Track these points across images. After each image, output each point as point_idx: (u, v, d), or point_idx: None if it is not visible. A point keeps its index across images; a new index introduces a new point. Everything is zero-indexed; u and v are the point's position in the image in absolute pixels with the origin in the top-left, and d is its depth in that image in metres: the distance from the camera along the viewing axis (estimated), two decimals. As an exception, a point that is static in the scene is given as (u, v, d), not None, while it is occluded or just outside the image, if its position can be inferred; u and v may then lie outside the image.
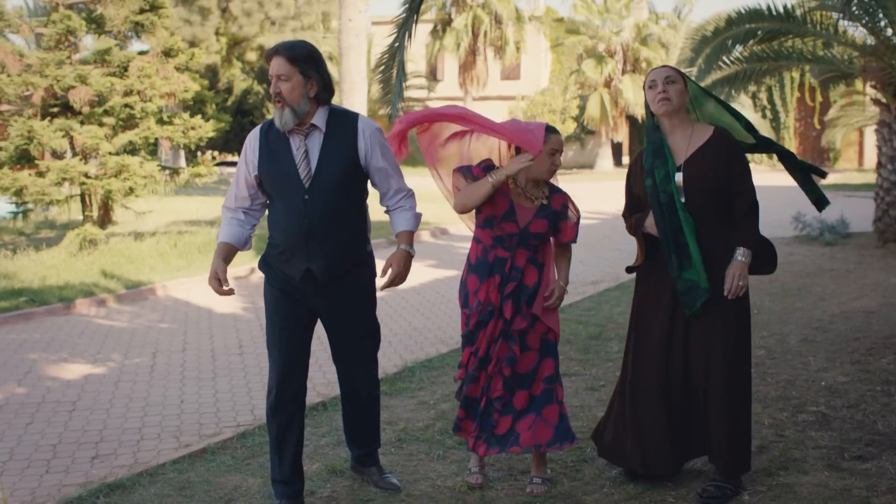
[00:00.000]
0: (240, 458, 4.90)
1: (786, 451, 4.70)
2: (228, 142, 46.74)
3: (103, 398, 6.33)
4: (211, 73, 45.29)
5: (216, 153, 49.30)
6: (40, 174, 12.26)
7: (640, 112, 38.03)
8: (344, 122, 4.00)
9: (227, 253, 4.06)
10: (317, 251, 3.92)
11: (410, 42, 6.45)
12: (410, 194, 4.20)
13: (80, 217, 13.76)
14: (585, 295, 9.93)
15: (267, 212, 4.16)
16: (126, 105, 12.50)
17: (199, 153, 47.14)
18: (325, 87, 3.96)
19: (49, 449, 5.32)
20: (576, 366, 6.71)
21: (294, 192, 3.90)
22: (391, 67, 6.98)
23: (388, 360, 7.25)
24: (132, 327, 8.74)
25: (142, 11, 13.18)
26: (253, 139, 4.01)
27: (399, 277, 4.11)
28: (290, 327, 4.06)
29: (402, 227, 4.14)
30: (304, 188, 3.89)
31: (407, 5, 6.29)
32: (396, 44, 6.79)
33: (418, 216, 4.21)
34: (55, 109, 12.91)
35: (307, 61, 3.89)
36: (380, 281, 4.20)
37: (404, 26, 6.39)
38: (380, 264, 4.20)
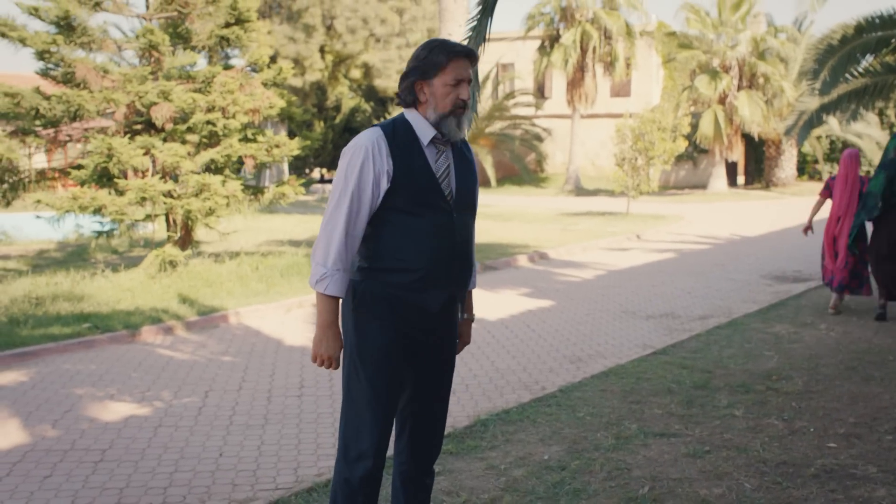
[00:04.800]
0: (265, 536, 4.13)
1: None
2: (335, 159, 46.87)
3: (137, 446, 5.66)
4: (319, 90, 45.43)
5: (324, 171, 49.51)
6: (120, 193, 11.84)
7: (756, 130, 36.36)
8: (460, 138, 3.49)
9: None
10: (460, 275, 3.45)
11: (484, 48, 5.63)
12: None
13: (165, 237, 13.35)
14: (692, 333, 8.89)
15: (374, 233, 3.38)
16: (208, 122, 11.99)
17: (306, 170, 47.48)
18: None
19: (58, 512, 4.65)
20: (676, 423, 5.74)
21: (441, 209, 3.35)
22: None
23: (462, 408, 6.40)
24: (192, 360, 8.11)
25: (227, 25, 12.70)
26: (379, 145, 3.28)
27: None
28: (401, 381, 3.41)
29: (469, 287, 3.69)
30: (451, 204, 3.38)
31: (480, 7, 5.47)
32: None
33: None
34: (138, 126, 12.53)
35: None
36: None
37: (477, 29, 5.57)
38: None
